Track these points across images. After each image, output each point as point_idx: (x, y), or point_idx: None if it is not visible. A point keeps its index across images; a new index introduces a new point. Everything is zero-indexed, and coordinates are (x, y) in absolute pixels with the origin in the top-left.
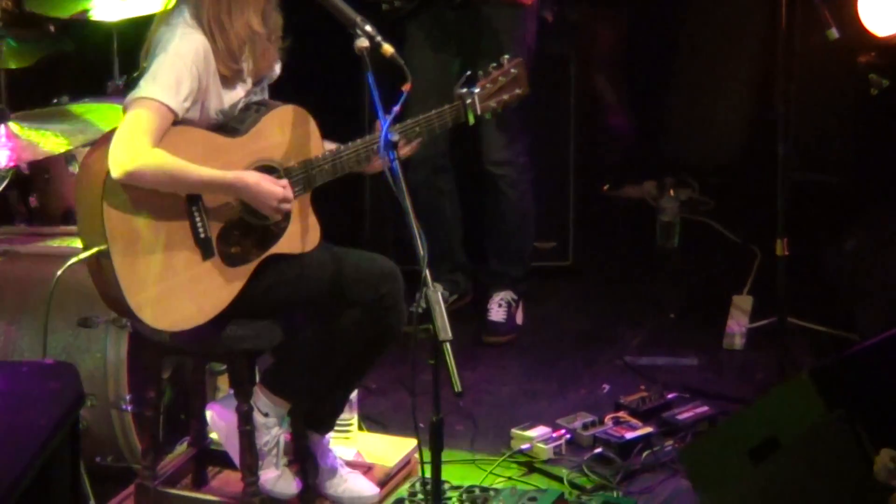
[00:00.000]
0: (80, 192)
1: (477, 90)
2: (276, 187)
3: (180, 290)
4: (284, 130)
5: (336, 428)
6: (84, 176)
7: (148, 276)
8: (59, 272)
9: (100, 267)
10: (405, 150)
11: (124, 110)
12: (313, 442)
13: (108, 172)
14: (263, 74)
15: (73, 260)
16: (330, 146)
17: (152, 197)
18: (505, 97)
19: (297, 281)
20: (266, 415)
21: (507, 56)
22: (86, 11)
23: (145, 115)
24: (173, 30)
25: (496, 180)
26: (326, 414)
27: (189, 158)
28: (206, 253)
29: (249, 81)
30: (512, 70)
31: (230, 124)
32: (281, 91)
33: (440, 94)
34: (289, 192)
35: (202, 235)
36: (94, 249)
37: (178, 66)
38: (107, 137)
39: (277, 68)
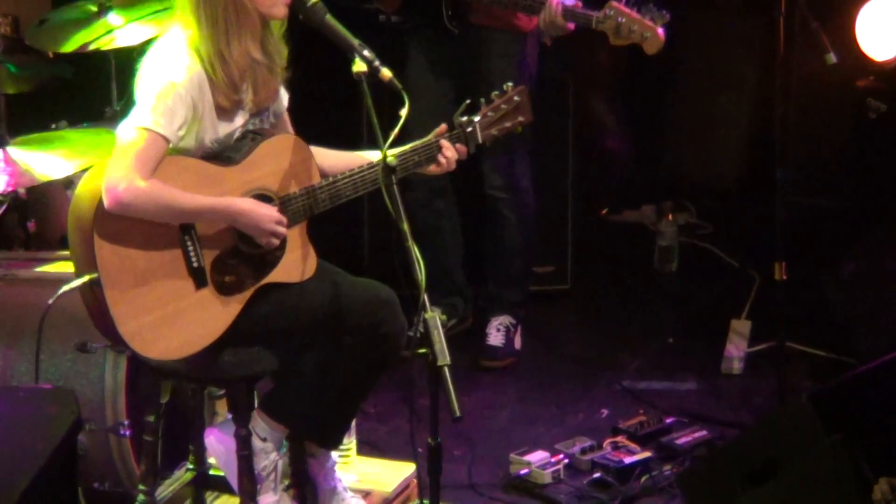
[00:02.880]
0: (73, 221)
1: (478, 118)
2: (270, 213)
3: (172, 319)
4: (280, 159)
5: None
6: (76, 205)
7: (140, 305)
8: (50, 301)
9: (91, 295)
10: (434, 168)
11: (117, 138)
12: (319, 462)
13: (100, 202)
14: (264, 106)
15: (64, 289)
16: (353, 158)
17: (144, 226)
18: (507, 125)
19: (296, 309)
20: (264, 440)
21: (510, 83)
22: (85, 45)
23: (139, 144)
24: (168, 57)
25: (497, 204)
26: (333, 430)
27: (182, 187)
28: (200, 282)
29: (248, 112)
30: (515, 97)
31: (225, 153)
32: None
33: (440, 118)
34: (283, 219)
35: (195, 265)
36: (86, 278)
37: (173, 94)
38: (100, 166)
39: (285, 100)
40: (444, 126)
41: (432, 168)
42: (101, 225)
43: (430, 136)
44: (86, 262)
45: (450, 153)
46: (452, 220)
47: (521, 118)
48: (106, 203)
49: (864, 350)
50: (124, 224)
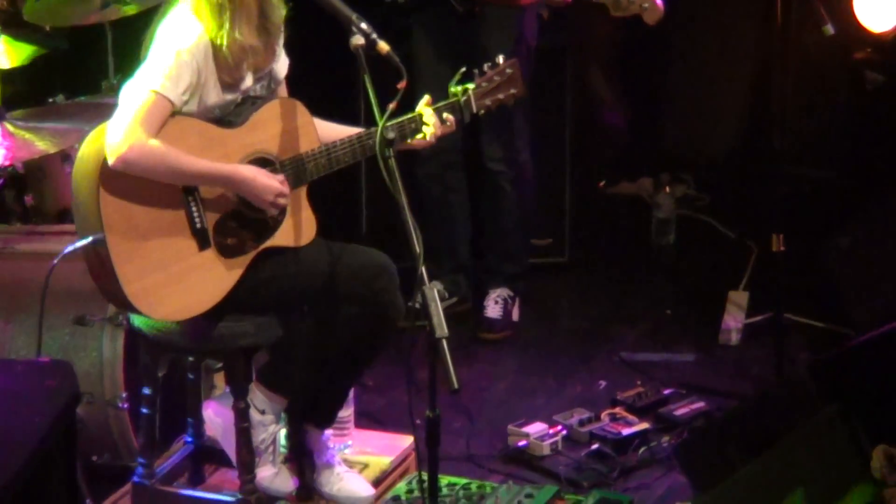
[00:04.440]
0: (78, 180)
1: (471, 88)
2: (272, 182)
3: (176, 280)
4: (280, 123)
5: (333, 425)
6: (81, 164)
7: (144, 265)
8: (54, 261)
9: (96, 255)
10: (437, 132)
11: (122, 99)
12: (312, 438)
13: (105, 160)
14: (264, 66)
15: (71, 247)
16: (347, 131)
17: (149, 186)
18: (500, 96)
19: (295, 275)
20: (262, 412)
21: (502, 55)
22: (87, 17)
23: (143, 104)
24: (175, 23)
25: (496, 177)
26: (326, 408)
27: (185, 149)
28: (202, 243)
29: (250, 78)
30: (507, 70)
31: (227, 117)
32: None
33: (444, 95)
34: (285, 188)
35: (198, 226)
36: (91, 238)
37: (179, 58)
38: (105, 127)
39: (285, 67)
40: (427, 97)
41: (417, 140)
42: (107, 183)
43: (418, 109)
44: (90, 222)
45: (432, 120)
46: (461, 195)
47: (512, 90)
48: (109, 161)
49: (861, 321)
50: (129, 183)
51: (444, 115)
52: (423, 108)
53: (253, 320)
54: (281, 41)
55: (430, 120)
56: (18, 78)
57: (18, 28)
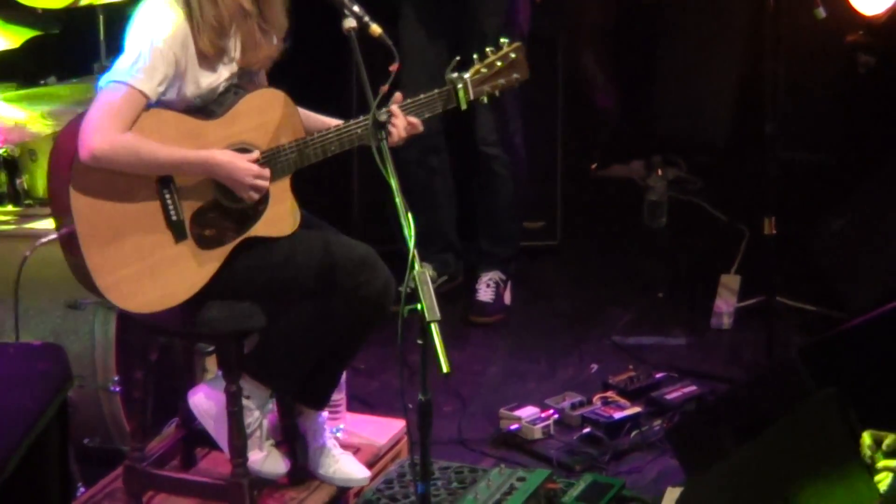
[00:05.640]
0: (51, 173)
1: (468, 75)
2: (249, 165)
3: (151, 272)
4: (263, 113)
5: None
6: (54, 157)
7: (117, 258)
8: (27, 253)
9: (69, 247)
10: (403, 134)
11: (98, 91)
12: (306, 420)
13: (76, 154)
14: (253, 67)
15: (43, 240)
16: (331, 122)
17: (122, 179)
18: (502, 81)
19: (284, 263)
20: (247, 397)
21: (506, 40)
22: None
23: (117, 99)
24: (154, 10)
25: (489, 161)
26: (319, 391)
27: (161, 141)
28: (179, 235)
29: (235, 66)
30: (511, 55)
31: (208, 107)
32: (269, 72)
33: (432, 75)
34: (265, 171)
35: (174, 218)
36: (64, 230)
37: (155, 49)
38: (79, 118)
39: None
40: (398, 95)
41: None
42: (78, 177)
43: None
44: (63, 215)
45: (398, 121)
46: (445, 177)
47: (516, 75)
48: (80, 155)
49: (852, 304)
50: (101, 176)
51: (410, 117)
52: (393, 107)
53: (242, 305)
54: (276, 47)
55: (397, 122)
56: (10, 60)
57: (10, 10)
